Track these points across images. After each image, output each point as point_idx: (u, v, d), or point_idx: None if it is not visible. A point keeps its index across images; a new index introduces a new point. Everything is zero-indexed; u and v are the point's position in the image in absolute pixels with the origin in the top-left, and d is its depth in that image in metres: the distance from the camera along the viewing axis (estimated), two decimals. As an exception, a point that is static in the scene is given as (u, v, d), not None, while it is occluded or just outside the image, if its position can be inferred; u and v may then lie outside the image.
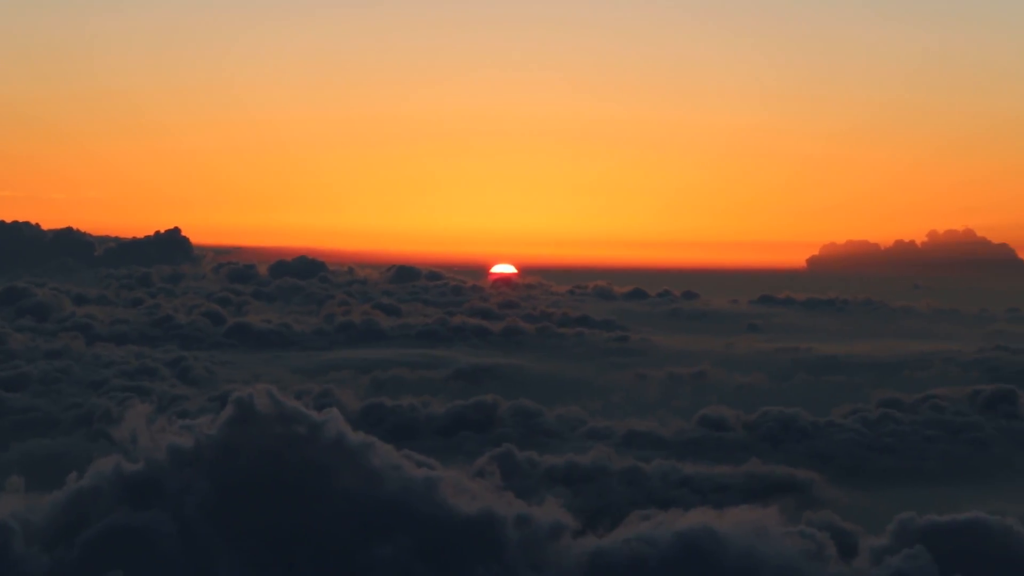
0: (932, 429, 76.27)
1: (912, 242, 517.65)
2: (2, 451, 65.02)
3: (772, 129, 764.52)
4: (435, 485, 28.47)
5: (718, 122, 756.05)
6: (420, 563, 26.80)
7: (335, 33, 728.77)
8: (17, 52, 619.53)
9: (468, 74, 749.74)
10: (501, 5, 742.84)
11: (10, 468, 47.22)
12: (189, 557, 26.33)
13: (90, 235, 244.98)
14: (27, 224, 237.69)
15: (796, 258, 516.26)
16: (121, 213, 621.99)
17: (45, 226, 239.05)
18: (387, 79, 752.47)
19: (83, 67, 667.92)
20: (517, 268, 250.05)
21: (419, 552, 26.92)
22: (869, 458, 70.66)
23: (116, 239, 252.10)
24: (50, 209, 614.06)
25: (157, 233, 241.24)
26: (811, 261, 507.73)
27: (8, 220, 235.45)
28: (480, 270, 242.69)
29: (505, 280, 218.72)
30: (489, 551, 27.49)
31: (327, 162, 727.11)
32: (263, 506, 27.12)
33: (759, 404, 78.98)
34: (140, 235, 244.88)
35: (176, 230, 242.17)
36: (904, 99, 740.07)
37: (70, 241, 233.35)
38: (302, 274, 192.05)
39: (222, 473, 27.56)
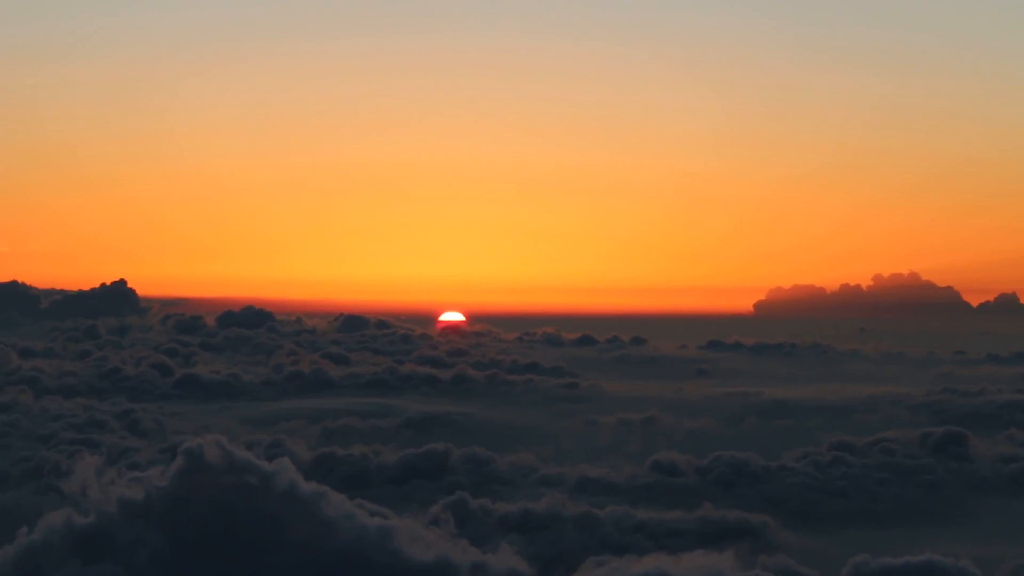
0: (883, 472, 76.63)
1: (858, 286, 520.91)
2: (-49, 506, 64.47)
3: (719, 175, 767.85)
4: (389, 534, 28.36)
5: (665, 168, 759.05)
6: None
7: (277, 82, 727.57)
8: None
9: (413, 121, 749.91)
10: (445, 52, 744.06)
11: (-41, 523, 46.81)
12: (142, 610, 26.16)
13: (35, 288, 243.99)
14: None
15: (743, 303, 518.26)
16: (66, 266, 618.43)
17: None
18: (332, 127, 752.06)
19: (24, 119, 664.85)
20: (465, 316, 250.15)
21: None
22: (821, 501, 70.91)
23: (62, 292, 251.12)
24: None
25: (103, 285, 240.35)
26: (758, 306, 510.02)
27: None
28: (428, 318, 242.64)
29: (453, 328, 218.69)
30: (446, 600, 27.40)
31: (273, 212, 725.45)
32: (215, 558, 26.95)
33: (710, 449, 79.12)
34: (86, 287, 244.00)
35: (122, 282, 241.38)
36: (849, 144, 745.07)
37: (15, 294, 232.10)
38: (250, 324, 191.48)
39: (173, 525, 27.38)
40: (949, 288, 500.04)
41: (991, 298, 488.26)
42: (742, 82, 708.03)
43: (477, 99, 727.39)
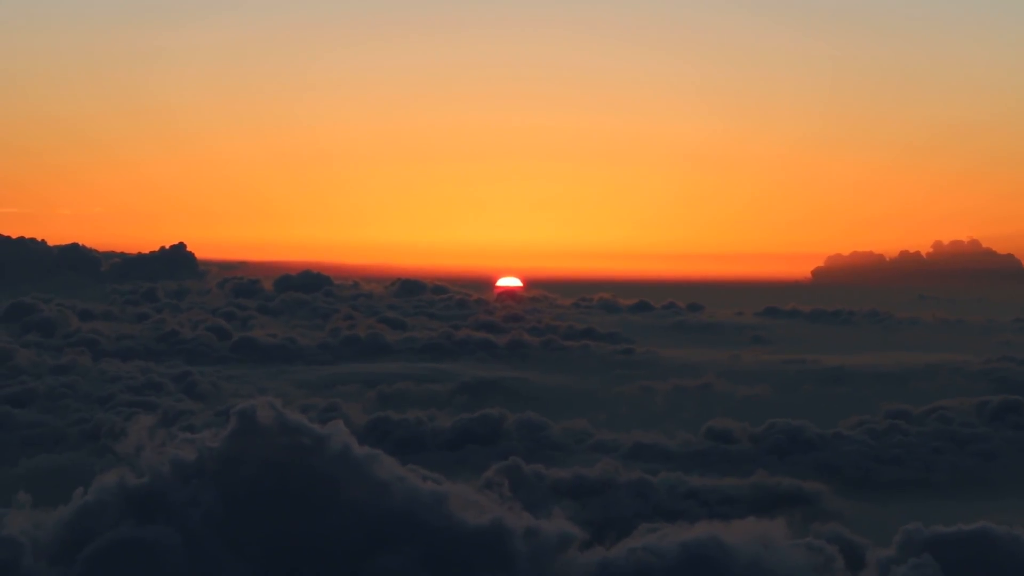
0: (939, 440, 76.27)
1: (917, 253, 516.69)
2: (10, 466, 65.13)
3: (779, 141, 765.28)
4: (443, 497, 28.42)
5: (725, 135, 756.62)
6: (427, 574, 26.77)
7: (338, 50, 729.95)
8: (18, 68, 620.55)
9: (473, 89, 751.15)
10: (503, 22, 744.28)
11: (18, 483, 47.18)
12: (195, 569, 26.28)
13: (96, 251, 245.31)
14: (33, 240, 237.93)
15: (801, 270, 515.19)
16: (126, 229, 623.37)
17: (51, 242, 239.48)
18: (393, 95, 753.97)
19: (88, 84, 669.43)
20: (523, 281, 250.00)
21: (426, 563, 26.88)
22: (876, 470, 70.66)
23: (122, 255, 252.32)
24: (56, 225, 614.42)
25: (162, 248, 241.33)
26: (816, 272, 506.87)
27: (14, 236, 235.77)
28: (485, 283, 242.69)
29: (510, 293, 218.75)
30: (498, 562, 27.43)
31: (331, 177, 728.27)
32: (268, 517, 27.07)
33: (765, 416, 78.93)
34: (145, 251, 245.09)
35: (181, 245, 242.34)
36: (910, 111, 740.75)
37: (76, 257, 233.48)
38: (307, 288, 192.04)
39: (227, 485, 27.51)
40: (1010, 256, 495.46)
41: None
42: (804, 46, 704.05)
43: (537, 69, 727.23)
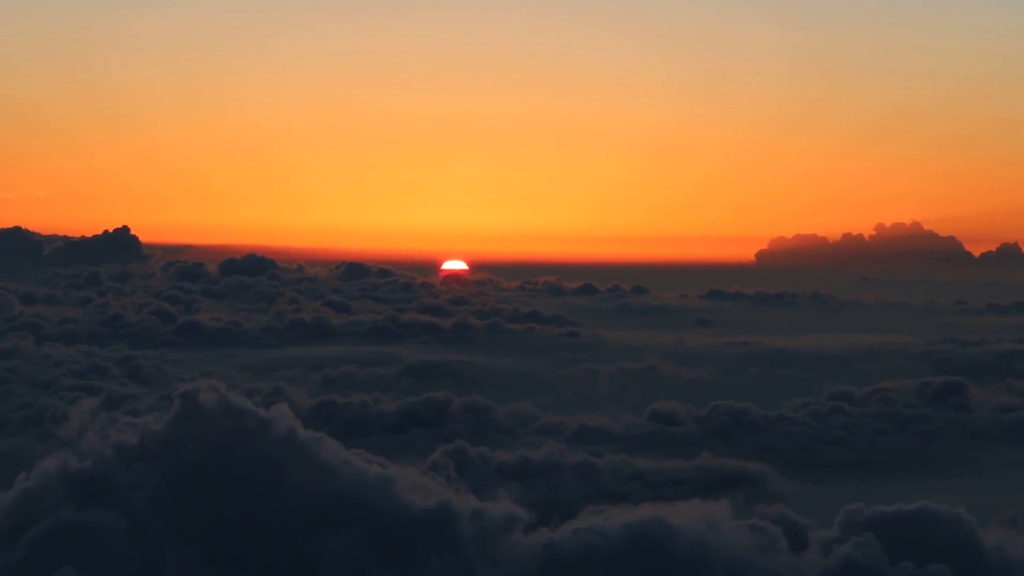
0: (882, 421, 76.82)
1: (860, 235, 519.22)
2: (-49, 452, 64.70)
3: (724, 126, 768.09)
4: (389, 480, 28.50)
5: (667, 118, 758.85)
6: (373, 555, 26.81)
7: (284, 34, 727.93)
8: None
9: (419, 73, 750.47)
10: (450, 5, 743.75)
11: (-41, 469, 47.00)
12: (139, 551, 26.24)
13: (38, 234, 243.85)
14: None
15: (745, 252, 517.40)
16: (69, 212, 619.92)
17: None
18: (339, 78, 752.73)
19: (32, 66, 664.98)
20: (468, 264, 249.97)
21: (371, 545, 26.94)
22: (820, 451, 71.10)
23: (64, 238, 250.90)
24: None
25: (105, 232, 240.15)
26: (759, 255, 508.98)
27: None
28: (431, 267, 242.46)
29: (455, 276, 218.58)
30: (444, 544, 27.52)
31: (276, 160, 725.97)
32: (213, 499, 27.07)
33: (710, 398, 79.25)
34: (88, 234, 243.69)
35: (125, 229, 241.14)
36: (853, 96, 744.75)
37: (18, 240, 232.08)
38: (251, 272, 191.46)
39: (170, 468, 27.49)
40: (951, 238, 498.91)
41: (993, 248, 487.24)
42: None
43: (480, 52, 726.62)
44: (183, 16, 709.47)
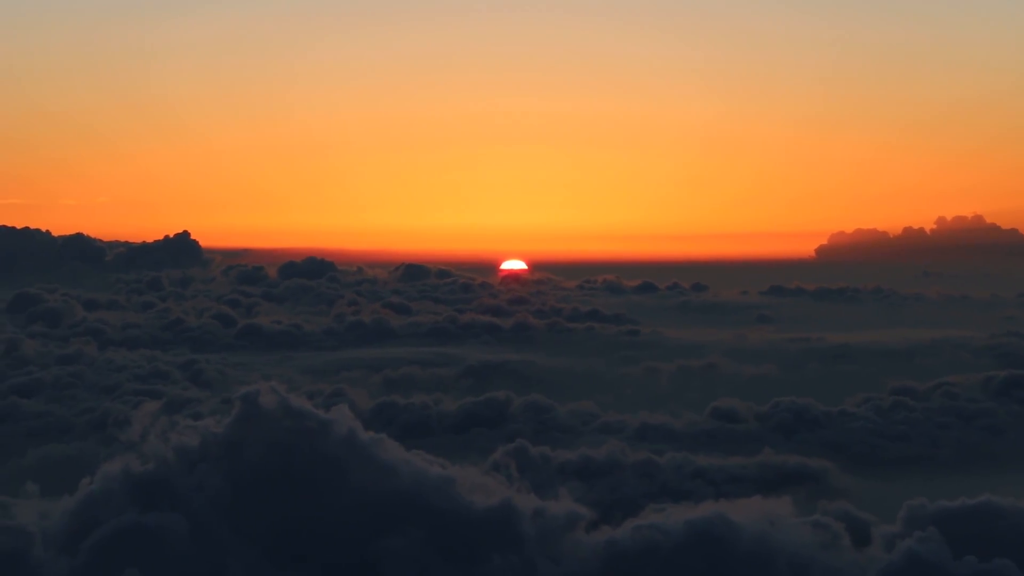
0: (945, 416, 76.27)
1: (921, 229, 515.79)
2: (18, 457, 65.22)
3: (783, 121, 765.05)
4: (450, 480, 28.57)
5: (723, 114, 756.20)
6: (434, 555, 26.87)
7: (336, 37, 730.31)
8: (22, 65, 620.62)
9: (476, 74, 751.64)
10: (507, 6, 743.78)
11: (26, 474, 47.37)
12: (202, 553, 26.40)
13: (100, 241, 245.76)
14: (37, 231, 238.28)
15: (805, 248, 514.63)
16: (131, 218, 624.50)
17: (55, 232, 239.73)
18: (395, 80, 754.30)
19: (89, 78, 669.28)
20: (527, 264, 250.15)
21: (434, 544, 27.00)
22: (882, 446, 70.68)
23: (126, 244, 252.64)
24: (60, 216, 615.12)
25: (167, 237, 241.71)
26: (820, 250, 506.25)
27: (19, 227, 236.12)
28: (490, 267, 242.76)
29: (515, 276, 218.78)
30: (507, 543, 27.57)
31: (335, 163, 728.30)
32: (274, 501, 27.21)
33: (771, 395, 78.89)
34: (150, 239, 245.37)
35: (185, 234, 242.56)
36: (913, 89, 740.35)
37: (80, 247, 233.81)
38: (311, 275, 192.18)
39: (232, 470, 27.64)
40: (1014, 231, 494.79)
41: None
42: (803, 27, 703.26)
43: (535, 52, 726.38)
44: (234, 23, 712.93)
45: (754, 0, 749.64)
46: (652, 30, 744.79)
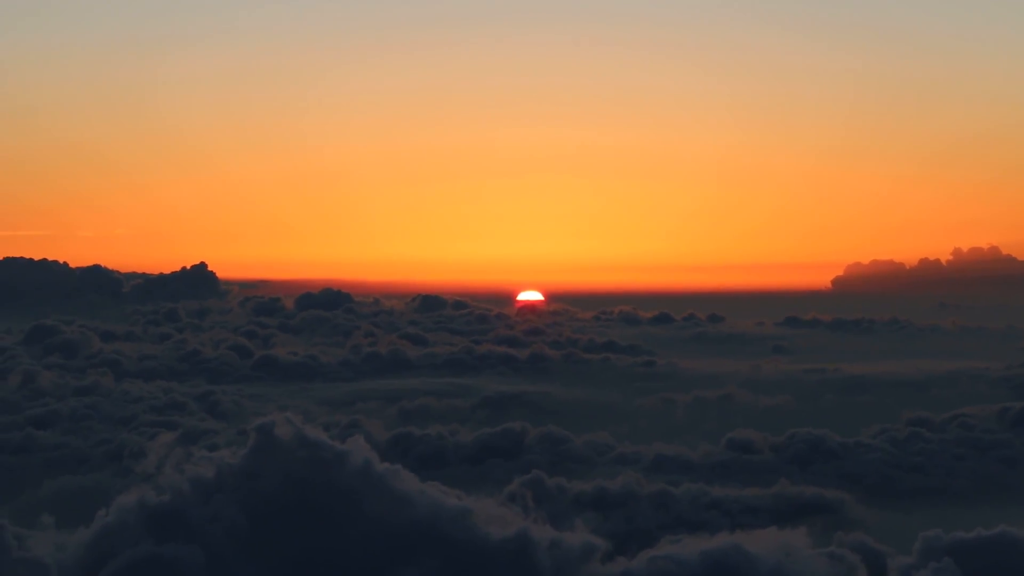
0: (961, 447, 76.16)
1: (937, 260, 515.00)
2: (34, 488, 65.32)
3: (797, 152, 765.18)
4: (466, 511, 28.60)
5: (739, 146, 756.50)
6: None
7: (357, 69, 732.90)
8: (39, 98, 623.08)
9: (491, 104, 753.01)
10: (522, 37, 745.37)
11: (42, 505, 47.54)
12: (218, 585, 26.47)
13: (117, 272, 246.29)
14: (55, 262, 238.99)
15: (821, 279, 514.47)
16: (148, 249, 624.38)
17: (73, 264, 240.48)
18: (410, 111, 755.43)
19: (108, 107, 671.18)
20: (543, 295, 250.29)
21: (449, 575, 27.03)
22: (898, 477, 70.57)
23: (143, 275, 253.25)
24: (77, 247, 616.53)
25: (184, 269, 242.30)
26: (836, 281, 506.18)
27: (36, 259, 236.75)
28: (506, 298, 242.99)
29: (531, 307, 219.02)
30: (522, 574, 27.58)
31: (351, 194, 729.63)
32: (290, 531, 27.24)
33: (787, 426, 78.86)
34: (167, 271, 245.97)
35: (202, 265, 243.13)
36: (928, 120, 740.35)
37: (97, 278, 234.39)
38: (328, 306, 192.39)
39: (248, 501, 27.68)
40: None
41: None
42: (818, 58, 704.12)
43: (551, 83, 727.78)
44: (252, 55, 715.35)
45: (770, 32, 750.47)
46: (669, 61, 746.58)
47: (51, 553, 27.64)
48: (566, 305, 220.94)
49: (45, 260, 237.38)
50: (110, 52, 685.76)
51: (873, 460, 72.89)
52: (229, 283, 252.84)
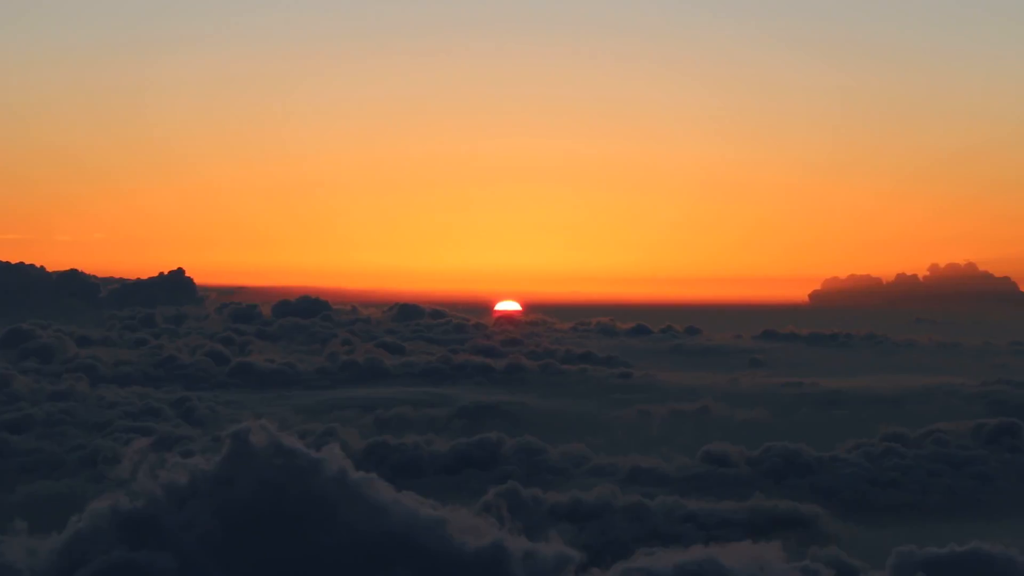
0: (936, 463, 76.38)
1: (914, 276, 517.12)
2: (7, 493, 65.12)
3: (776, 167, 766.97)
4: (441, 521, 28.54)
5: (720, 159, 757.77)
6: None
7: (331, 76, 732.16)
8: (17, 100, 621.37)
9: (469, 114, 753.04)
10: (502, 47, 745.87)
11: (14, 510, 47.23)
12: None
13: (95, 277, 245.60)
14: (32, 266, 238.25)
15: (798, 292, 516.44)
16: (126, 254, 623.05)
17: (50, 268, 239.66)
18: (390, 120, 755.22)
19: (87, 112, 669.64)
20: (522, 305, 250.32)
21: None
22: (873, 492, 70.77)
23: (120, 280, 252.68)
24: (55, 251, 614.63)
25: (161, 274, 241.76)
26: (813, 295, 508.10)
27: (13, 262, 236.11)
28: (484, 308, 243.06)
29: (508, 318, 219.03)
30: (495, 584, 27.55)
31: (330, 202, 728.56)
32: (264, 539, 27.16)
33: (763, 439, 79.01)
34: (144, 276, 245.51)
35: (180, 271, 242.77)
36: (907, 137, 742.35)
37: (75, 283, 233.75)
38: (305, 313, 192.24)
39: (222, 507, 27.60)
40: (1006, 279, 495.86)
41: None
42: (806, 72, 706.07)
43: (532, 93, 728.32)
44: (231, 62, 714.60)
45: (751, 47, 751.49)
46: (647, 73, 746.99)
47: (23, 559, 27.50)
48: (544, 316, 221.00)
49: (22, 264, 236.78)
50: (90, 56, 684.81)
51: (848, 475, 73.09)
52: (206, 289, 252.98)
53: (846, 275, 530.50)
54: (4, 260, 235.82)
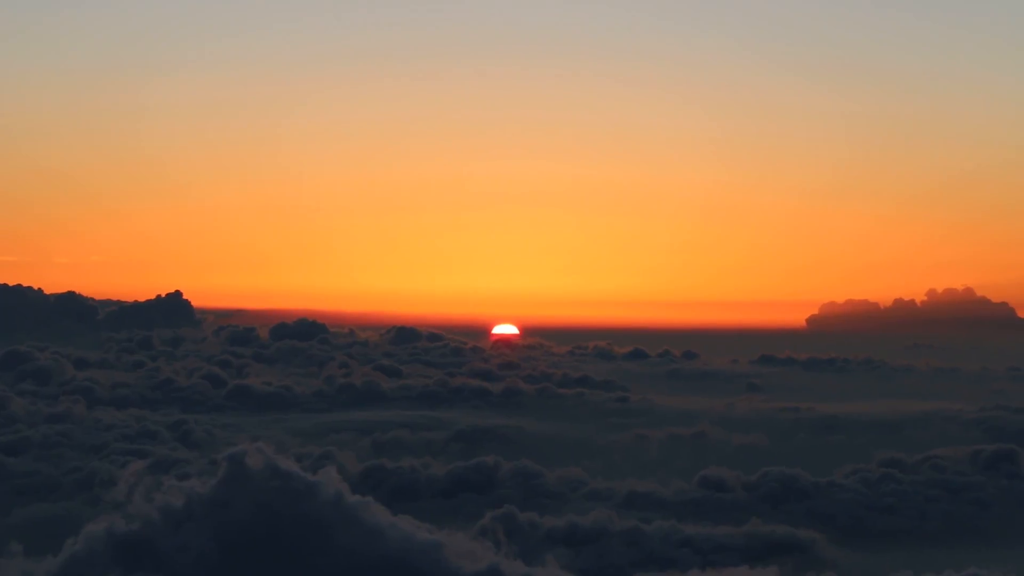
0: (933, 489, 76.27)
1: (912, 301, 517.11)
2: (3, 516, 65.03)
3: (774, 192, 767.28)
4: (438, 546, 28.54)
5: (718, 183, 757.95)
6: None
7: (334, 100, 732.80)
8: (16, 124, 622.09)
9: (469, 139, 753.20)
10: (498, 71, 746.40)
11: (11, 533, 47.21)
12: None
13: (92, 299, 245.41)
14: (30, 288, 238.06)
15: (796, 317, 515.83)
16: (123, 277, 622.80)
17: (48, 290, 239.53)
18: (389, 144, 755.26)
19: (85, 135, 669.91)
20: (519, 328, 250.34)
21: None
22: (870, 518, 70.68)
23: (118, 303, 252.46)
24: (52, 274, 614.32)
25: (158, 297, 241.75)
26: (811, 320, 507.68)
27: (11, 284, 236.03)
28: (481, 331, 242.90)
29: (506, 341, 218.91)
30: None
31: (328, 225, 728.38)
32: (260, 562, 27.17)
33: (760, 464, 78.90)
34: (142, 299, 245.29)
35: (177, 293, 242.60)
36: (905, 163, 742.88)
37: (72, 305, 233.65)
38: (302, 336, 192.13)
39: (218, 530, 27.61)
40: (1004, 304, 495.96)
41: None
42: (803, 98, 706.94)
43: (531, 116, 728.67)
44: (229, 85, 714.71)
45: (749, 72, 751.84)
46: (647, 97, 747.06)
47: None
48: (541, 339, 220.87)
49: (20, 286, 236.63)
50: (87, 79, 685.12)
51: (845, 500, 73.01)
52: (204, 312, 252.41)
53: (844, 300, 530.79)
54: (2, 282, 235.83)
